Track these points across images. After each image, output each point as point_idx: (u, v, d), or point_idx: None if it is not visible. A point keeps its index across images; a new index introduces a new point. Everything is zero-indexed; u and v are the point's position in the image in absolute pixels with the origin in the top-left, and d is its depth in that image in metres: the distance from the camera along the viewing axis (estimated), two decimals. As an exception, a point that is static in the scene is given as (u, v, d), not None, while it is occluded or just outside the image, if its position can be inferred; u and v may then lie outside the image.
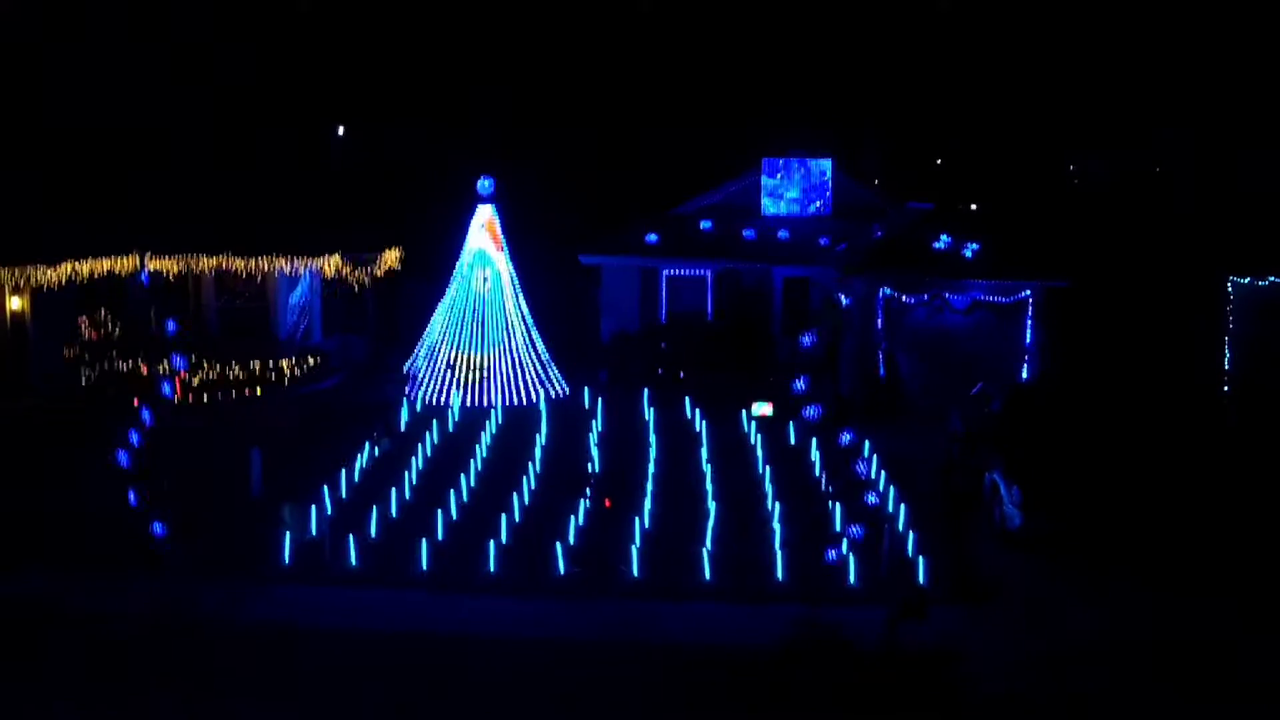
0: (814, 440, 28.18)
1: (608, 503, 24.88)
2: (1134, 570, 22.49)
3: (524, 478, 26.51)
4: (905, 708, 17.75)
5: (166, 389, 21.13)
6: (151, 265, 21.06)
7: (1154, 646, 19.46)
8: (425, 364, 33.86)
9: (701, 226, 39.56)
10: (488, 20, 53.36)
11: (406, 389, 33.33)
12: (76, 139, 38.87)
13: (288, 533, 22.56)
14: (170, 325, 20.92)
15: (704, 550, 22.34)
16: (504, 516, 23.77)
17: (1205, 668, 18.71)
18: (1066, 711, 17.46)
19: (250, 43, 48.01)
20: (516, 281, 34.41)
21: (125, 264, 33.06)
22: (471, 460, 27.72)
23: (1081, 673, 18.50)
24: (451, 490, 25.30)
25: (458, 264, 34.33)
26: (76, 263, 33.82)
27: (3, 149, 36.67)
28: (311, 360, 36.40)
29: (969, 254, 34.61)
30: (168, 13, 45.42)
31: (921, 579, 21.51)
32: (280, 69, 48.90)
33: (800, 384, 21.26)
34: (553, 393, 33.70)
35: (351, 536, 22.58)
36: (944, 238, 35.23)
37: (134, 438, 21.56)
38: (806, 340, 20.63)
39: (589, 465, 27.10)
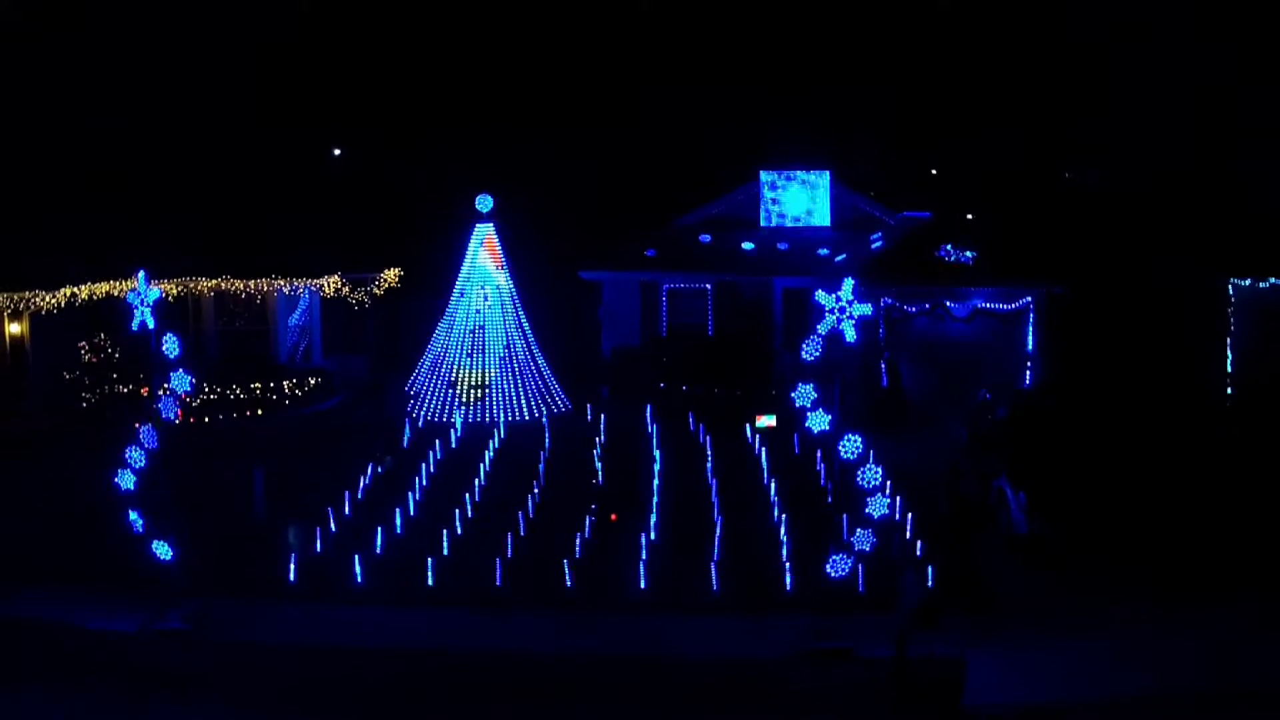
0: (818, 451, 28.09)
1: (614, 517, 24.79)
2: (1141, 576, 22.35)
3: (528, 494, 26.41)
4: (912, 717, 17.66)
5: (168, 410, 20.98)
6: (154, 287, 21.01)
7: (1158, 655, 19.28)
8: (427, 382, 33.80)
9: (701, 240, 39.55)
10: (485, 34, 53.40)
11: (409, 408, 33.27)
12: (75, 163, 38.90)
13: (293, 552, 22.48)
14: (172, 345, 20.80)
15: (711, 563, 22.25)
16: (509, 533, 23.68)
17: (1210, 678, 18.51)
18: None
19: (249, 63, 48.07)
20: (516, 298, 34.38)
21: (125, 288, 33.07)
22: (475, 477, 27.64)
23: (1087, 683, 18.35)
24: (456, 507, 25.22)
25: (458, 282, 34.30)
26: (75, 287, 33.82)
27: (1, 173, 36.69)
28: (312, 381, 36.34)
29: (969, 262, 34.59)
30: (167, 32, 45.48)
31: (929, 587, 21.40)
32: (278, 89, 48.93)
33: (803, 395, 21.17)
34: (555, 409, 33.63)
35: (356, 554, 22.50)
36: (944, 246, 35.22)
37: (136, 458, 21.44)
38: (807, 351, 20.54)
39: (593, 480, 27.02)
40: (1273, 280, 33.40)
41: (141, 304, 21.12)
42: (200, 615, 20.53)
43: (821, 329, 20.31)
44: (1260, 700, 17.83)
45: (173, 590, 21.22)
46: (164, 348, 20.81)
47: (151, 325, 21.10)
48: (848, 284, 20.14)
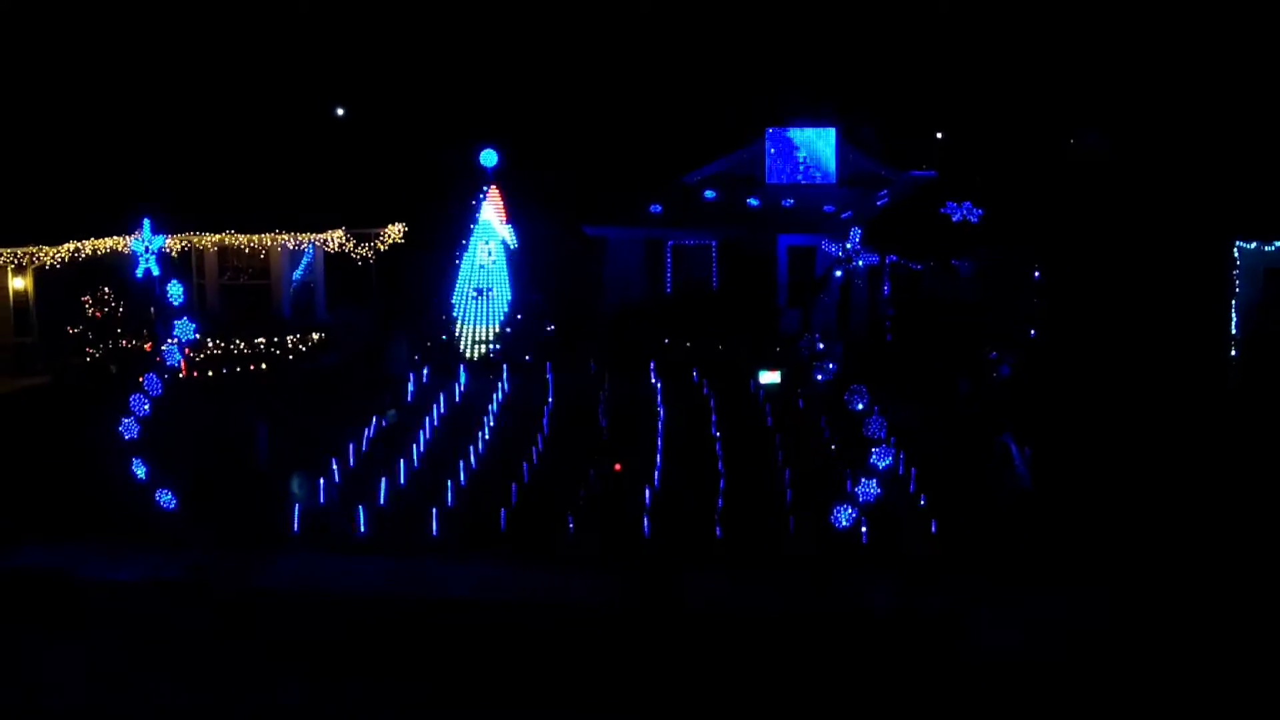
0: (822, 405, 28.10)
1: (618, 467, 24.81)
2: (1143, 534, 22.36)
3: (532, 447, 26.44)
4: (914, 670, 17.71)
5: (171, 357, 20.99)
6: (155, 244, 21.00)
7: (1158, 617, 19.28)
8: (431, 337, 33.80)
9: (706, 196, 39.43)
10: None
11: (413, 361, 33.25)
12: (77, 116, 38.77)
13: (296, 502, 22.52)
14: (176, 291, 20.80)
15: (715, 514, 22.28)
16: (514, 484, 23.71)
17: (1203, 638, 18.51)
18: (1069, 676, 17.36)
19: (252, 16, 47.85)
20: (521, 253, 34.34)
21: (128, 242, 33.03)
22: (480, 430, 27.65)
23: (1086, 638, 18.38)
24: (460, 459, 25.25)
25: (467, 237, 34.26)
26: (79, 241, 33.74)
27: (3, 128, 36.57)
28: (316, 335, 36.33)
29: (974, 220, 34.48)
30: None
31: (931, 541, 21.46)
32: (281, 44, 48.72)
33: (807, 350, 21.19)
34: (560, 363, 33.59)
35: (360, 505, 22.54)
36: (949, 204, 35.09)
37: (140, 408, 21.46)
38: (811, 300, 20.53)
39: (598, 433, 27.04)
40: (1278, 243, 33.28)
41: (146, 252, 21.13)
42: (203, 565, 20.59)
43: (826, 278, 20.28)
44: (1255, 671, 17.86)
45: (176, 540, 21.30)
46: (169, 294, 20.81)
47: (156, 273, 21.12)
48: (855, 233, 20.09)
